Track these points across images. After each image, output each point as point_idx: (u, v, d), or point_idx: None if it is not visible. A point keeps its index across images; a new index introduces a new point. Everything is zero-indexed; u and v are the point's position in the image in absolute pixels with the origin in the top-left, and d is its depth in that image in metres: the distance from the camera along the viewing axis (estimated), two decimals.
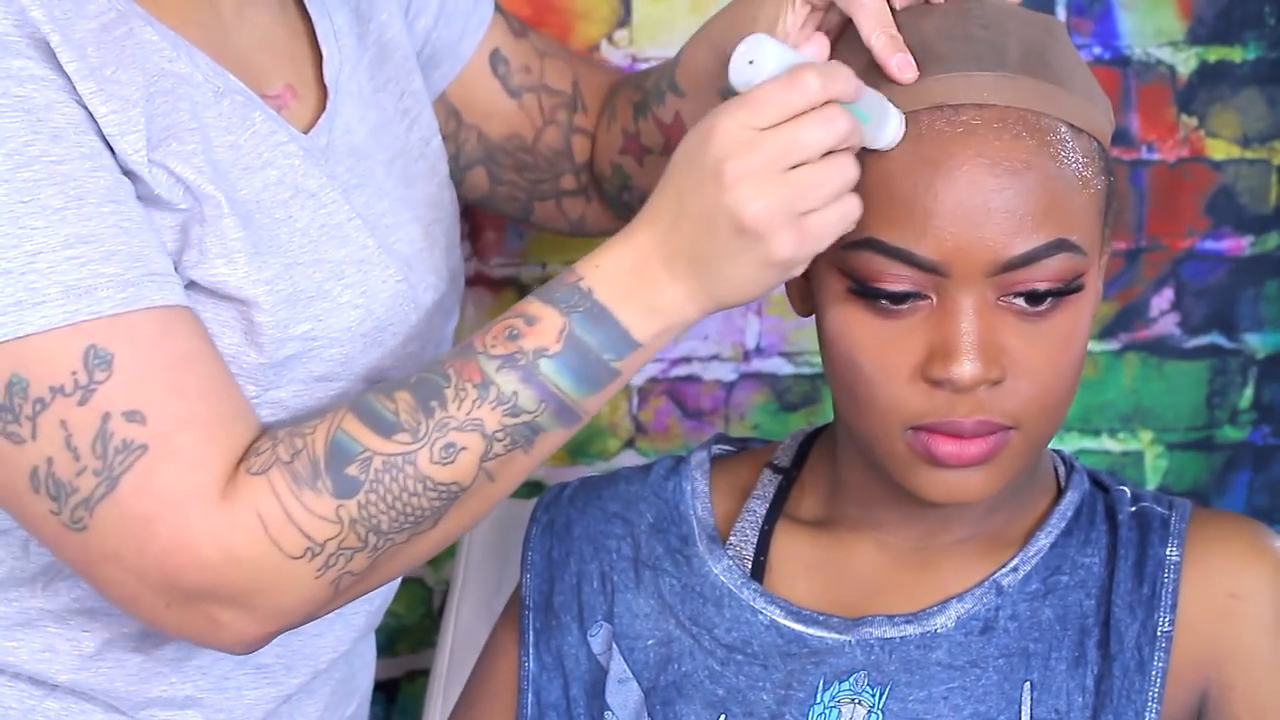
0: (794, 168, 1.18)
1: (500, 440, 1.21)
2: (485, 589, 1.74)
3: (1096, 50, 1.98)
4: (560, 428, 1.23)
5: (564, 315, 1.21)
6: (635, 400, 2.05)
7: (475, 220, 2.02)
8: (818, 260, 1.26)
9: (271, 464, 1.20)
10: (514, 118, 1.59)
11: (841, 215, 1.19)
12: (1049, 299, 1.22)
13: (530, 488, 2.02)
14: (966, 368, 1.20)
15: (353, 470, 1.20)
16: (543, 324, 1.21)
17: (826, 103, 1.18)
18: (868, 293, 1.23)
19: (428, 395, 1.21)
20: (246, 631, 1.23)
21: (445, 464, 1.20)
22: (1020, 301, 1.22)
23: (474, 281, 2.02)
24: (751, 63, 1.20)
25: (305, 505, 1.19)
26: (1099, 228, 1.25)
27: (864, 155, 1.23)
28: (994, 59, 1.24)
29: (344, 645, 1.45)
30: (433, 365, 1.24)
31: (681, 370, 2.05)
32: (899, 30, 1.26)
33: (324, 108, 1.38)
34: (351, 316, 1.33)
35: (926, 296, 1.22)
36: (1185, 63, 1.99)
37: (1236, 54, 1.99)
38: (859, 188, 1.22)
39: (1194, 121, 1.99)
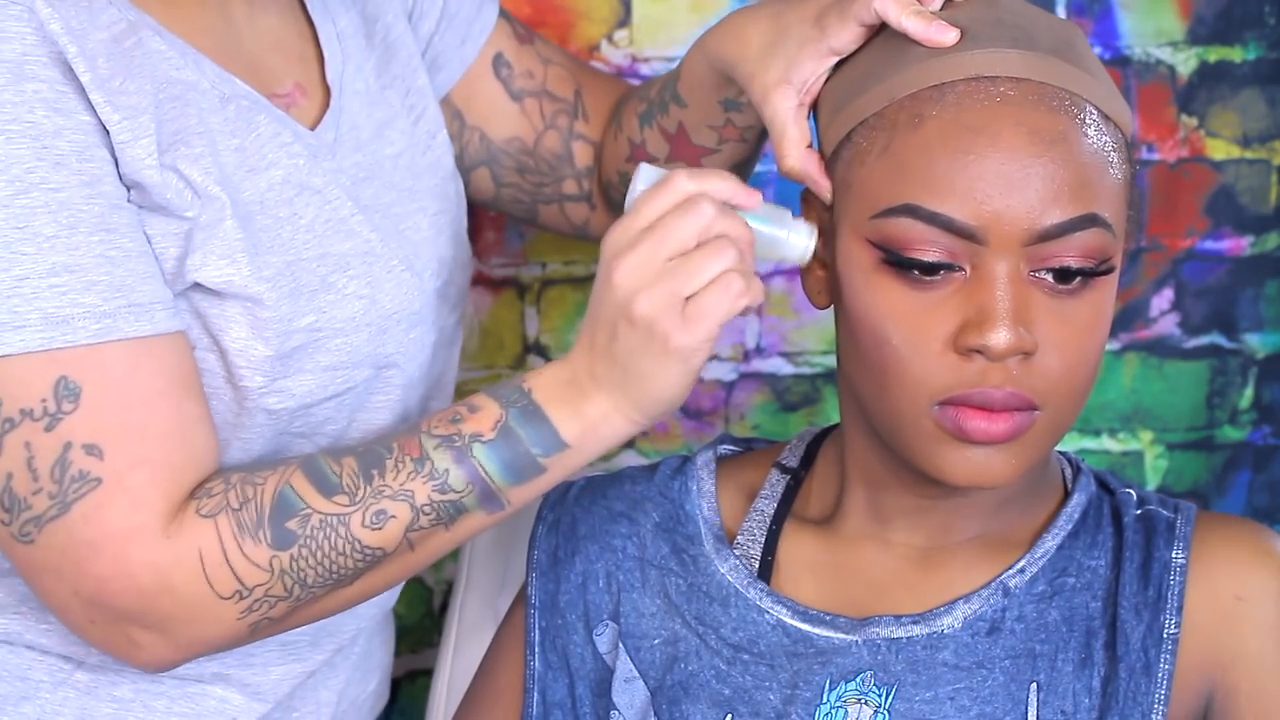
0: (673, 259, 1.25)
1: (426, 514, 1.29)
2: (488, 588, 1.74)
3: (1096, 50, 1.99)
4: (483, 512, 1.31)
5: (503, 408, 1.30)
6: None
7: (476, 220, 2.01)
8: (843, 236, 1.27)
9: (221, 509, 1.27)
10: (514, 121, 1.62)
11: (722, 291, 1.25)
12: (1079, 278, 1.23)
13: None
14: (1002, 335, 1.21)
15: (292, 525, 1.28)
16: (483, 413, 1.30)
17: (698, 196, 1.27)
18: (901, 263, 1.23)
19: (370, 464, 1.30)
20: (162, 656, 1.30)
21: (374, 529, 1.29)
22: (1049, 278, 1.23)
23: (474, 281, 2.02)
24: (636, 186, 1.30)
25: (244, 552, 1.27)
26: (1124, 216, 1.26)
27: (899, 125, 1.24)
28: (1026, 41, 1.25)
29: (364, 622, 1.52)
30: (382, 439, 1.32)
31: None
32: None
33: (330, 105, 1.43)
34: (356, 307, 1.38)
35: (959, 268, 1.23)
36: (1185, 63, 1.99)
37: (1236, 54, 1.99)
38: (893, 163, 1.24)
39: (1194, 121, 1.99)
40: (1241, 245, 2.02)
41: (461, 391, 2.07)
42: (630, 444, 2.04)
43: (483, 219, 2.01)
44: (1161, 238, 2.02)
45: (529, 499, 1.32)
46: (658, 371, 1.27)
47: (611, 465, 2.03)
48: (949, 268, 1.22)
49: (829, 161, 1.30)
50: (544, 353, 2.04)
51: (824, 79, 1.33)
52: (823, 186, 1.30)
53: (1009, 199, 1.21)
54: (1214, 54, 1.99)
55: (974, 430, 1.23)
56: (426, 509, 1.29)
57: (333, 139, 1.41)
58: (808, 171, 1.32)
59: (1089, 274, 1.23)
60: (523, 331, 2.03)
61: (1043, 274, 1.22)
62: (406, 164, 1.48)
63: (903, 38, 1.27)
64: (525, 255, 2.01)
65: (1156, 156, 2.00)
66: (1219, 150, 2.00)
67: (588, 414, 1.30)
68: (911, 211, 1.22)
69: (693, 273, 1.25)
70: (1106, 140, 1.24)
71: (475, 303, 2.02)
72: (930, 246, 1.22)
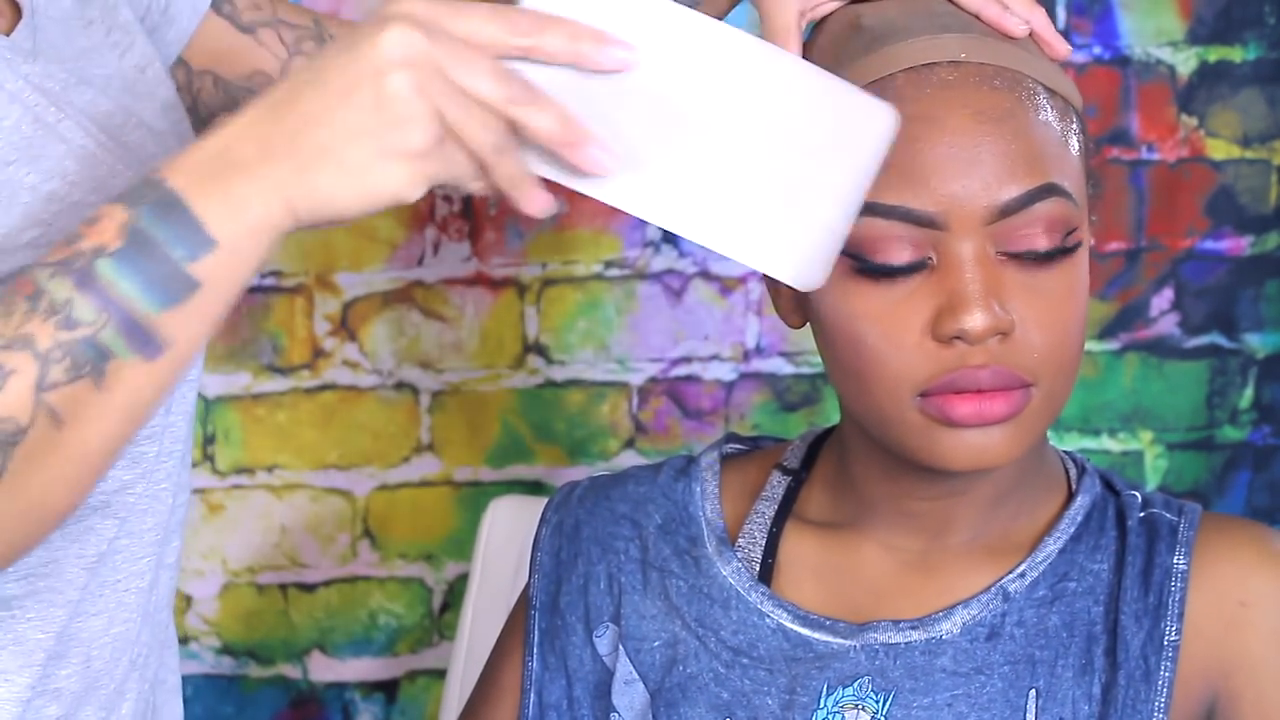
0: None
1: (57, 362, 1.01)
2: (501, 586, 1.74)
3: (1096, 50, 1.98)
4: (135, 355, 1.02)
5: (129, 209, 1.02)
6: (635, 400, 2.04)
7: (476, 220, 2.01)
8: None
9: None
10: (252, 54, 1.44)
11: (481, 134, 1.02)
12: (1049, 258, 1.21)
13: (541, 487, 2.02)
14: (978, 317, 1.18)
15: None
16: (104, 221, 1.02)
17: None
18: (873, 270, 1.21)
19: None
20: None
21: None
22: (1019, 258, 1.21)
23: (474, 281, 2.02)
24: None
25: None
26: (1084, 190, 1.25)
27: None
28: (959, 25, 1.24)
29: (116, 626, 1.27)
30: None
31: (681, 370, 2.04)
32: (861, 16, 1.25)
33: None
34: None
35: (927, 262, 1.21)
36: (1185, 63, 1.99)
37: (1236, 54, 1.99)
38: None
39: (1194, 121, 1.99)
40: (1241, 245, 2.02)
41: (460, 392, 2.06)
42: (630, 444, 2.03)
43: (482, 219, 2.00)
44: (1161, 238, 2.01)
45: (195, 334, 1.03)
46: (375, 166, 1.01)
47: (613, 466, 2.02)
48: (918, 266, 1.21)
49: None
50: (544, 352, 2.03)
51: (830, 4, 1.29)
52: None
53: (963, 180, 1.19)
54: (1214, 54, 1.99)
55: (962, 415, 1.20)
56: (55, 354, 1.00)
57: (30, 48, 1.20)
58: None
59: (1059, 252, 1.21)
60: (523, 331, 2.03)
61: (1011, 255, 1.20)
62: (119, 87, 1.28)
63: (841, 40, 1.25)
64: (525, 255, 2.01)
65: (1156, 156, 2.00)
66: (1219, 150, 2.00)
67: (242, 195, 1.01)
68: (870, 209, 1.19)
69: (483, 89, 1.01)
70: (1054, 114, 1.23)
71: (475, 303, 2.02)
72: (895, 242, 1.20)
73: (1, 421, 1.01)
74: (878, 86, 1.22)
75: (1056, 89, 1.25)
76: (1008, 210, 1.19)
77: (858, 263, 1.21)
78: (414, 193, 1.03)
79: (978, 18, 1.25)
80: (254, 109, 1.03)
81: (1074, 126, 1.25)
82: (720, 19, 1.34)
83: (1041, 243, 1.20)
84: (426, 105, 1.01)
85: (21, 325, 1.00)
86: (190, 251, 1.01)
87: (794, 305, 1.30)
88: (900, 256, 1.20)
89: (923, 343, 1.20)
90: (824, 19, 1.29)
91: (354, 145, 1.01)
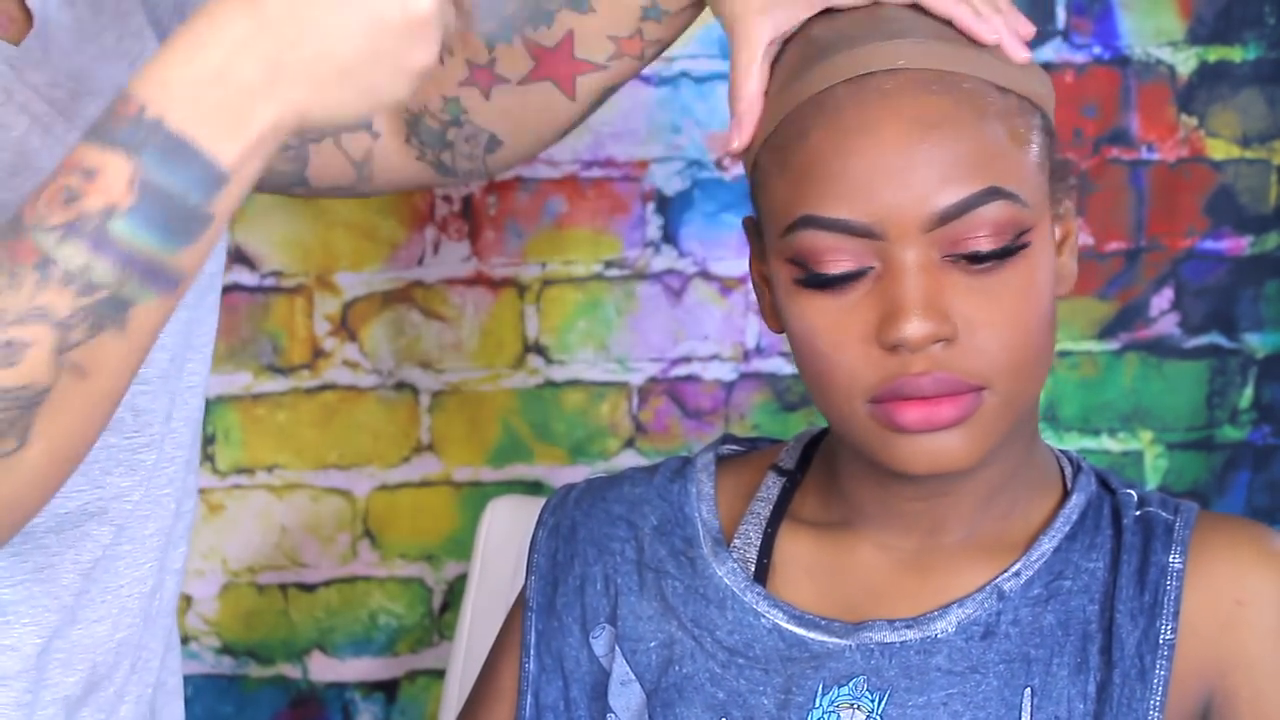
0: None
1: (78, 325, 0.99)
2: (500, 586, 1.73)
3: (1096, 50, 1.98)
4: (156, 295, 1.01)
5: (130, 157, 0.99)
6: (635, 400, 2.04)
7: (475, 220, 2.01)
8: (770, 259, 1.25)
9: None
10: None
11: None
12: (993, 260, 1.20)
13: (541, 487, 2.02)
14: (914, 324, 1.18)
15: None
16: (107, 174, 0.99)
17: None
18: (815, 282, 1.21)
19: None
20: None
21: (6, 366, 0.98)
22: (964, 261, 1.20)
23: (474, 281, 2.02)
24: None
25: None
26: (1043, 187, 1.23)
27: (789, 141, 1.22)
28: (901, 31, 1.23)
29: (120, 632, 1.28)
30: None
31: (681, 370, 2.04)
32: (813, 29, 1.25)
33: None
34: None
35: (870, 268, 1.20)
36: (1185, 63, 1.98)
37: (1236, 54, 1.99)
38: (790, 179, 1.21)
39: (1194, 121, 1.99)
40: (1241, 245, 2.01)
41: (460, 392, 2.06)
42: (630, 444, 2.03)
43: (481, 218, 2.00)
44: (1161, 238, 2.01)
45: (205, 257, 1.03)
46: (388, 83, 1.02)
47: (613, 466, 2.02)
48: (858, 275, 1.20)
49: (752, 192, 1.29)
50: (544, 353, 2.03)
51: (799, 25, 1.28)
52: (744, 136, 1.26)
53: (898, 189, 1.19)
54: (1214, 54, 1.99)
55: (909, 422, 1.20)
56: (75, 319, 0.99)
57: (39, 57, 1.20)
58: (749, 120, 1.25)
59: (1004, 253, 1.20)
60: (523, 331, 2.03)
61: (956, 258, 1.20)
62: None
63: (794, 55, 1.24)
64: (525, 255, 2.00)
65: (1156, 156, 2.00)
66: (1219, 150, 2.00)
67: (250, 117, 0.99)
68: (811, 222, 1.21)
69: None
70: (1006, 112, 1.22)
71: (475, 302, 2.01)
72: (837, 254, 1.20)
73: (20, 389, 0.98)
74: (817, 101, 1.22)
75: (1011, 87, 1.23)
76: (947, 216, 1.19)
77: (801, 273, 1.22)
78: (407, 100, 1.03)
79: (949, 24, 1.23)
80: (237, 21, 0.99)
81: (1032, 123, 1.23)
82: (681, 32, 1.35)
83: (984, 246, 1.20)
84: (441, 24, 1.02)
85: (35, 296, 0.98)
86: (206, 192, 1.00)
87: (772, 311, 1.31)
88: (839, 267, 1.20)
89: (868, 350, 1.21)
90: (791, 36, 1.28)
91: (376, 66, 1.01)
